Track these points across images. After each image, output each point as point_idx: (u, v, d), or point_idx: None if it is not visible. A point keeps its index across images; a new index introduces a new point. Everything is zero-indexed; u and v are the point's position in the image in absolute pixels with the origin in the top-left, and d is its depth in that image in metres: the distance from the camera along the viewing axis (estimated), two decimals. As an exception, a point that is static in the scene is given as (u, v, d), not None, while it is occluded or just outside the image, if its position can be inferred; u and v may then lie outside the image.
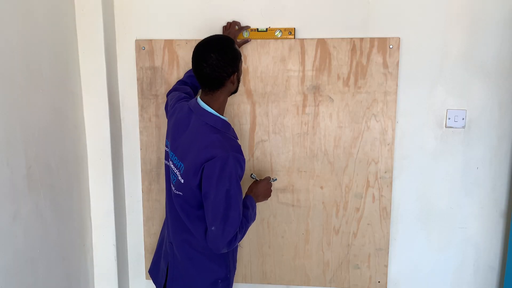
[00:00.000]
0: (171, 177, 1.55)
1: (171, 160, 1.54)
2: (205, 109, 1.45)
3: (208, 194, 1.37)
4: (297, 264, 2.03)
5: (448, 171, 1.93)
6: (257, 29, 1.86)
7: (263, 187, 1.64)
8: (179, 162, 1.47)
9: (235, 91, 1.53)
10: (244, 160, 1.41)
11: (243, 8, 1.87)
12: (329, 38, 1.84)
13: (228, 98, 1.93)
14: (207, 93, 1.46)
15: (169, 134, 1.58)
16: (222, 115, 1.47)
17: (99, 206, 1.94)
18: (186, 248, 1.54)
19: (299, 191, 1.97)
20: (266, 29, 1.84)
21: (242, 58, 1.41)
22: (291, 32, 1.85)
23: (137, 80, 1.95)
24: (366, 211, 1.95)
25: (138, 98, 1.96)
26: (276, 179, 1.80)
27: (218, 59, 1.38)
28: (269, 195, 1.67)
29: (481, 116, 1.87)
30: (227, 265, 1.56)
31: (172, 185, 1.54)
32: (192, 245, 1.53)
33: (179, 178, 1.46)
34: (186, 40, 1.89)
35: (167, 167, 1.58)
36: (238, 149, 1.41)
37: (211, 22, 1.89)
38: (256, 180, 1.69)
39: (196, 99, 1.50)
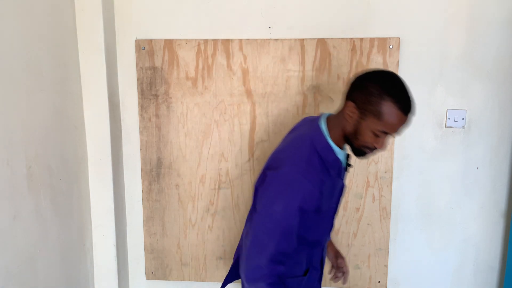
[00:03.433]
0: None
1: None
2: (319, 124, 1.24)
3: (258, 205, 1.19)
4: (297, 264, 2.03)
5: (448, 171, 1.93)
6: None
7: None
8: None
9: (350, 139, 1.21)
10: (314, 196, 1.15)
11: (243, 8, 1.87)
12: (329, 38, 1.84)
13: (229, 98, 1.94)
14: (336, 112, 1.27)
15: None
16: (335, 144, 1.23)
17: (99, 206, 1.94)
18: None
19: (299, 191, 1.96)
20: None
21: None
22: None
23: (137, 80, 1.95)
24: (366, 211, 1.95)
25: (138, 98, 1.96)
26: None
27: (358, 76, 1.19)
28: None
29: (481, 116, 1.87)
30: None
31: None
32: None
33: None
34: (186, 40, 1.89)
35: None
36: (315, 180, 1.15)
37: (211, 22, 1.89)
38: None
39: (323, 113, 1.32)
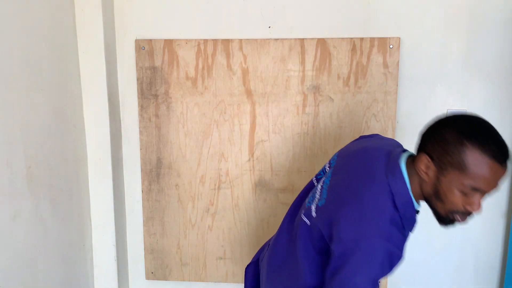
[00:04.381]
0: (310, 193, 1.24)
1: (323, 174, 1.27)
2: (401, 169, 1.04)
3: (335, 267, 1.01)
4: (297, 264, 2.03)
5: (448, 171, 1.92)
6: None
7: None
8: (327, 186, 1.14)
9: (433, 204, 1.03)
10: (398, 262, 0.99)
11: (243, 7, 1.87)
12: (329, 38, 1.84)
13: (229, 98, 1.95)
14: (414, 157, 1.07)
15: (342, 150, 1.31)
16: (414, 198, 1.05)
17: (99, 206, 1.94)
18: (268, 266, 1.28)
19: (299, 191, 1.96)
20: None
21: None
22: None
23: (137, 80, 1.95)
24: (366, 211, 1.95)
25: (138, 98, 1.96)
26: None
27: (429, 124, 1.03)
28: None
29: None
30: None
31: (304, 203, 1.22)
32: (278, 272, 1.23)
33: (314, 205, 1.14)
34: (186, 40, 1.89)
35: (314, 181, 1.34)
36: (401, 243, 1.00)
37: (211, 22, 1.89)
38: None
39: (405, 150, 1.12)
